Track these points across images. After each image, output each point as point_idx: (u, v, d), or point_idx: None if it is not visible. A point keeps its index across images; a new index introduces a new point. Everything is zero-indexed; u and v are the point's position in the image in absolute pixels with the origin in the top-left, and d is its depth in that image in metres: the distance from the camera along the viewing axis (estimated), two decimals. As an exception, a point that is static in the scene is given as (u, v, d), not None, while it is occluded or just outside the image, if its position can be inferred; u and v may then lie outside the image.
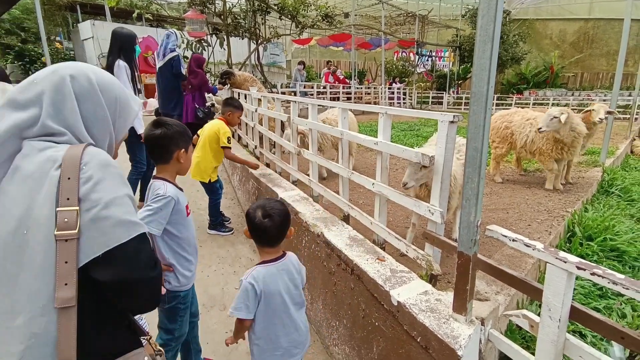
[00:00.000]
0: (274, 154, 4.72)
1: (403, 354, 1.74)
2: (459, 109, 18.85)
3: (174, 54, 5.57)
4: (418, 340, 1.64)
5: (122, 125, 1.05)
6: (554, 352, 1.32)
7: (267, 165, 4.73)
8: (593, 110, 4.46)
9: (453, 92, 21.91)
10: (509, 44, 20.39)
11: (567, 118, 3.91)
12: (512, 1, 23.71)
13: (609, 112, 4.36)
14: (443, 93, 20.48)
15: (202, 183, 3.73)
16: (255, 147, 5.21)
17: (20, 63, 12.17)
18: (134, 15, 8.34)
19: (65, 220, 0.80)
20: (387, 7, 17.90)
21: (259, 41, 9.35)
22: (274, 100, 4.73)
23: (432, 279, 2.01)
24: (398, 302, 1.75)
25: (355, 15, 16.38)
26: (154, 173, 1.75)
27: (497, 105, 17.87)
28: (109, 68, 3.82)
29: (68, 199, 0.81)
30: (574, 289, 2.50)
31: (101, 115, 0.98)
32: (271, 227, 1.50)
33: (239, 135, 6.56)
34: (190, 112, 6.23)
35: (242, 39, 9.58)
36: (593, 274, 1.17)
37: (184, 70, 6.01)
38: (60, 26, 14.76)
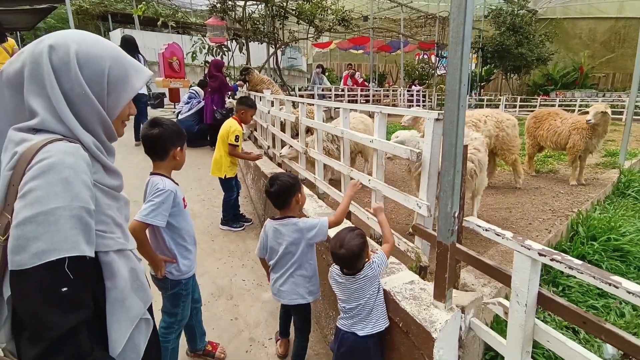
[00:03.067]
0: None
1: (389, 340, 1.84)
2: (482, 111, 18.41)
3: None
4: (400, 325, 1.73)
5: (115, 102, 0.92)
6: (522, 336, 1.39)
7: (279, 165, 4.90)
8: (587, 111, 4.35)
9: (475, 94, 21.46)
10: (535, 44, 19.77)
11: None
12: (539, 0, 23.05)
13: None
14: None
15: (219, 179, 3.96)
16: (269, 147, 5.40)
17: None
18: (159, 23, 8.79)
19: None
20: (407, 9, 17.86)
21: (277, 45, 9.61)
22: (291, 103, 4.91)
23: (422, 271, 2.09)
24: (384, 290, 1.85)
25: (375, 18, 16.43)
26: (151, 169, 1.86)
27: (521, 107, 17.41)
28: None
29: (8, 204, 0.78)
30: (571, 287, 2.53)
31: (78, 93, 0.84)
32: (271, 194, 1.94)
33: (255, 137, 6.79)
34: (209, 114, 6.55)
35: (261, 43, 9.89)
36: (552, 259, 1.25)
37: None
38: (93, 34, 15.63)
